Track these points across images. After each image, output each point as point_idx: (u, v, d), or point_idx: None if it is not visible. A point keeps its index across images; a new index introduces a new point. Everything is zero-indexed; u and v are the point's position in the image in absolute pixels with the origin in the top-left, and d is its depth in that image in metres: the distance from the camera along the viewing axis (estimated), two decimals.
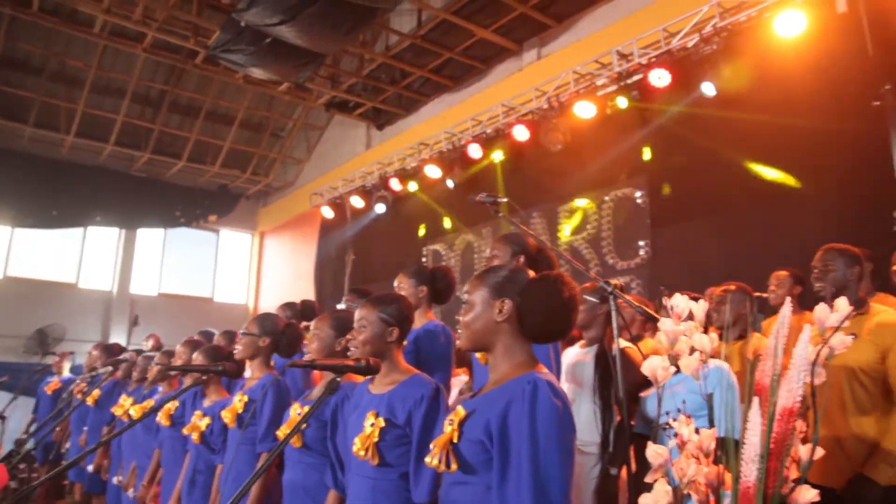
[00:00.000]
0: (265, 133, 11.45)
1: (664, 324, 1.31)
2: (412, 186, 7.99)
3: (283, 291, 11.97)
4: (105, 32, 8.26)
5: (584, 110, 5.95)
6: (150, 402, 4.11)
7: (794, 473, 1.16)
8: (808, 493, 1.15)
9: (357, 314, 2.10)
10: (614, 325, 2.19)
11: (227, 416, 2.89)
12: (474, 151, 7.05)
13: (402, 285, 3.05)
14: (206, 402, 3.38)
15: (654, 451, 1.23)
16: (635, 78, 5.58)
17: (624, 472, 2.84)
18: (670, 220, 5.40)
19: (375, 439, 1.93)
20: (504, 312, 1.60)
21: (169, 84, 10.03)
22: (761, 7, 4.76)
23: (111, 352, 5.34)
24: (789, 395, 1.15)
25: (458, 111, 8.26)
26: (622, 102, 5.63)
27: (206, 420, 3.25)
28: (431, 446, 1.54)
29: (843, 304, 1.24)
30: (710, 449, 1.24)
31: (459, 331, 1.68)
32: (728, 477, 1.21)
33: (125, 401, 4.44)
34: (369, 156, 9.83)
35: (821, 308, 1.24)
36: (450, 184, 7.41)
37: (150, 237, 12.07)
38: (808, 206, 4.43)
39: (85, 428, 5.31)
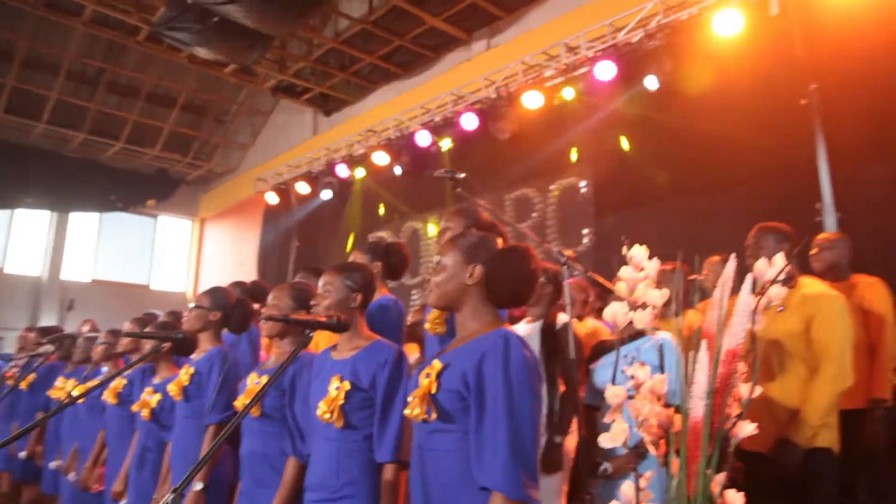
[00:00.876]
0: (208, 117, 11.18)
1: (624, 272, 1.42)
2: (360, 173, 7.98)
3: (224, 279, 11.62)
4: (40, 4, 7.89)
5: (532, 100, 6.10)
6: (94, 383, 4.01)
7: (735, 410, 1.29)
8: (747, 427, 1.28)
9: (322, 280, 2.15)
10: (567, 295, 2.31)
11: (172, 389, 2.86)
12: (422, 139, 7.11)
13: (358, 261, 3.09)
14: (156, 379, 3.34)
15: (612, 392, 1.34)
16: (582, 70, 5.77)
17: (569, 440, 2.99)
18: (613, 208, 5.61)
19: (341, 402, 1.99)
20: (475, 276, 1.69)
21: (108, 62, 9.64)
22: (702, 6, 5.00)
23: (48, 333, 5.16)
24: (732, 339, 1.28)
25: (406, 98, 8.30)
26: (569, 94, 5.81)
27: (157, 396, 3.21)
28: (410, 398, 1.61)
29: (779, 259, 1.38)
30: (662, 392, 1.36)
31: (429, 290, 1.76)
32: (677, 418, 1.33)
33: (64, 383, 4.32)
34: (316, 142, 9.74)
35: (760, 263, 1.37)
36: (397, 171, 7.45)
37: (83, 221, 11.61)
38: (739, 196, 4.69)
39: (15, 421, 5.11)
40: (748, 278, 1.28)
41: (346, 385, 2.00)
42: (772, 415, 2.65)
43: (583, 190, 5.86)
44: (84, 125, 10.37)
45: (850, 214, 4.04)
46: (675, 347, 2.48)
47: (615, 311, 1.37)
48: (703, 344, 1.27)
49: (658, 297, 1.42)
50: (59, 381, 4.34)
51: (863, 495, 3.11)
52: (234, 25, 7.22)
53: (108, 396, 3.58)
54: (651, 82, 5.22)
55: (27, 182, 10.71)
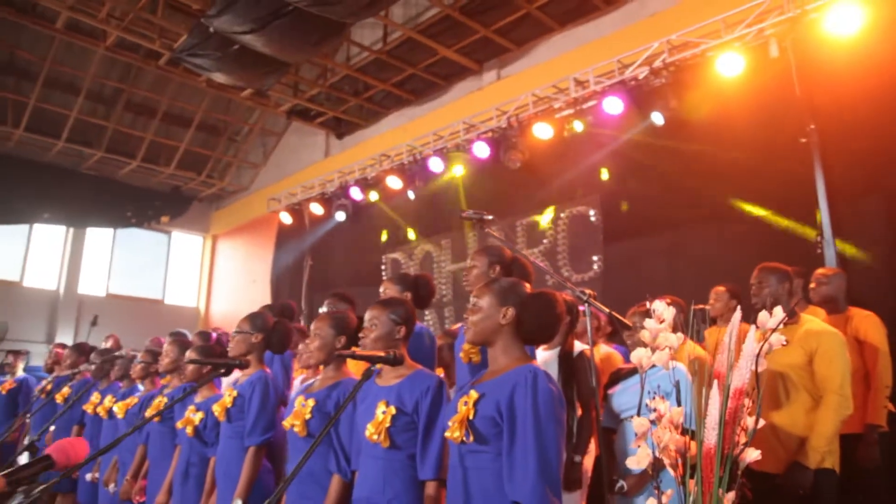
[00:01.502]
0: (222, 136, 11.47)
1: (648, 323, 1.66)
2: (373, 196, 8.23)
3: (237, 295, 11.99)
4: (63, 27, 8.20)
5: (543, 131, 6.38)
6: (134, 400, 4.23)
7: (742, 439, 1.53)
8: (752, 454, 1.51)
9: (369, 314, 2.39)
10: (589, 330, 2.56)
11: (217, 409, 3.10)
12: (435, 165, 7.38)
13: (388, 291, 3.33)
14: (198, 398, 3.58)
15: (638, 423, 1.58)
16: (590, 104, 6.05)
17: (587, 460, 3.22)
18: (621, 237, 5.86)
19: (387, 425, 2.22)
20: (507, 318, 1.94)
21: (125, 82, 9.96)
22: (704, 48, 5.28)
23: (82, 351, 5.39)
24: (739, 378, 1.52)
25: (418, 125, 8.59)
26: (578, 126, 6.08)
27: (200, 414, 3.44)
28: (450, 423, 1.86)
29: (778, 311, 1.62)
30: (679, 422, 1.60)
31: (466, 327, 2.01)
32: (693, 444, 1.57)
33: (99, 398, 4.55)
34: (328, 164, 10.03)
35: (762, 314, 1.62)
36: (411, 195, 7.72)
37: (99, 236, 11.86)
38: (744, 228, 4.95)
39: (52, 428, 5.33)
40: (751, 330, 1.53)
41: (392, 410, 2.24)
42: (780, 440, 2.91)
43: (592, 218, 6.11)
44: (101, 143, 10.67)
45: (852, 245, 4.30)
46: (686, 375, 2.73)
47: (641, 356, 1.61)
48: (715, 383, 1.51)
49: (675, 340, 1.67)
50: (95, 397, 4.57)
51: None
52: (252, 53, 7.50)
53: (152, 413, 3.81)
54: (658, 118, 5.49)
55: (45, 198, 10.97)
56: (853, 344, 3.44)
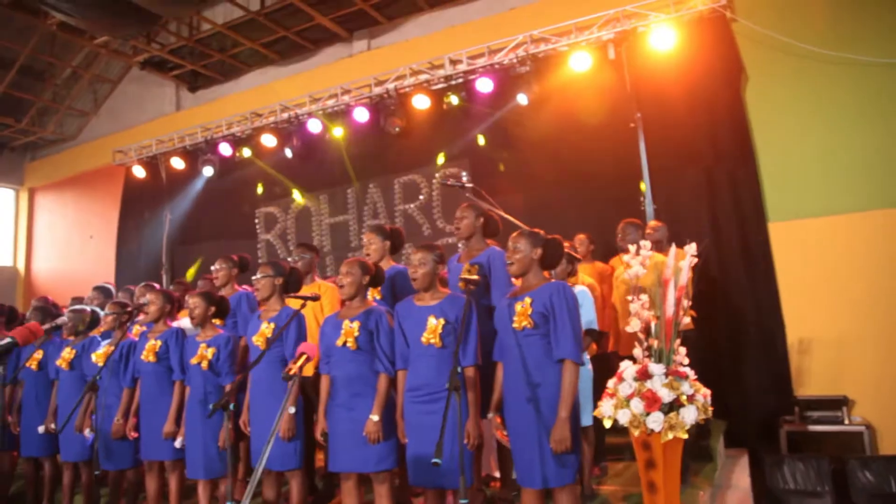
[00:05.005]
0: (47, 81, 10.58)
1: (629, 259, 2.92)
2: (246, 152, 8.57)
3: (67, 252, 11.34)
4: None
5: (421, 102, 7.40)
6: (109, 349, 4.57)
7: (682, 313, 2.86)
8: (686, 320, 2.86)
9: (418, 256, 3.35)
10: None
11: (258, 339, 3.82)
12: (314, 126, 8.02)
13: (373, 240, 4.21)
14: (200, 337, 4.18)
15: (634, 307, 2.83)
16: (466, 79, 7.19)
17: None
18: (489, 194, 7.15)
19: (440, 331, 3.25)
20: (538, 255, 3.08)
21: None
22: (559, 45, 6.69)
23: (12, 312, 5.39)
24: (680, 281, 2.85)
25: (285, 84, 9.03)
26: (454, 100, 7.21)
27: (212, 350, 4.09)
28: (515, 317, 2.97)
29: (646, 243, 2.97)
30: (646, 307, 2.89)
31: (508, 261, 3.11)
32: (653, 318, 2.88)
33: (69, 353, 4.78)
34: (181, 118, 9.96)
35: (673, 251, 2.96)
36: (288, 153, 8.26)
37: None
38: (584, 190, 6.52)
39: None
40: (680, 255, 2.85)
41: (442, 321, 3.27)
42: None
43: (464, 178, 7.34)
44: None
45: (664, 205, 6.06)
46: (588, 294, 4.10)
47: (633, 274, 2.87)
48: (671, 283, 2.82)
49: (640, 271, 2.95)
50: (66, 352, 4.78)
51: None
52: (124, 1, 7.34)
53: (148, 356, 4.29)
54: (522, 98, 6.82)
55: None
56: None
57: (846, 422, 5.42)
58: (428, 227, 7.61)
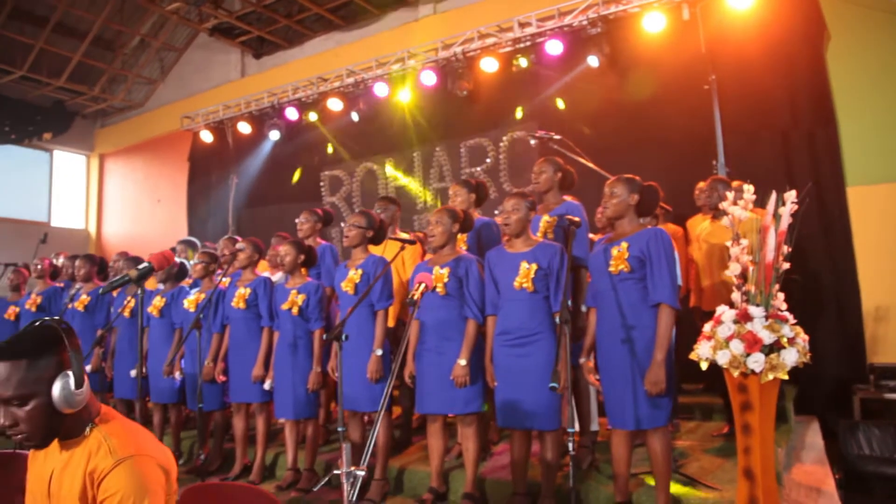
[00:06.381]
0: (117, 50, 10.93)
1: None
2: (312, 116, 8.73)
3: (139, 215, 11.79)
4: None
5: (489, 65, 7.40)
6: (199, 296, 4.81)
7: (781, 259, 2.86)
8: (785, 265, 2.85)
9: (510, 203, 3.42)
10: None
11: (346, 285, 3.96)
12: (380, 90, 8.10)
13: (459, 192, 4.31)
14: (290, 284, 4.34)
15: (734, 251, 2.84)
16: (534, 42, 7.15)
17: None
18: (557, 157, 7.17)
19: (532, 276, 3.33)
20: (634, 199, 3.11)
21: None
22: (631, 6, 6.58)
23: (94, 262, 5.68)
24: (781, 227, 2.84)
25: (351, 49, 9.13)
26: (523, 62, 7.19)
27: (302, 297, 4.26)
28: (612, 261, 3.02)
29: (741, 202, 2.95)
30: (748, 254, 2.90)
31: (603, 206, 3.15)
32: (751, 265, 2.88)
33: (160, 301, 5.05)
34: (247, 83, 10.17)
35: (773, 197, 2.94)
36: (355, 116, 8.38)
37: None
38: (657, 154, 6.45)
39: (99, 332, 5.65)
40: (785, 210, 2.83)
41: (534, 266, 3.34)
42: (728, 289, 4.41)
43: (532, 142, 7.31)
44: None
45: (738, 169, 5.96)
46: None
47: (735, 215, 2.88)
48: (771, 228, 2.82)
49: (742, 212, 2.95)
50: (157, 301, 5.05)
51: None
52: None
53: (238, 302, 4.49)
54: (593, 61, 6.76)
55: None
56: None
57: None
58: (494, 191, 7.63)
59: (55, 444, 1.68)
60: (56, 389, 1.56)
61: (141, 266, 2.47)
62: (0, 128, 10.88)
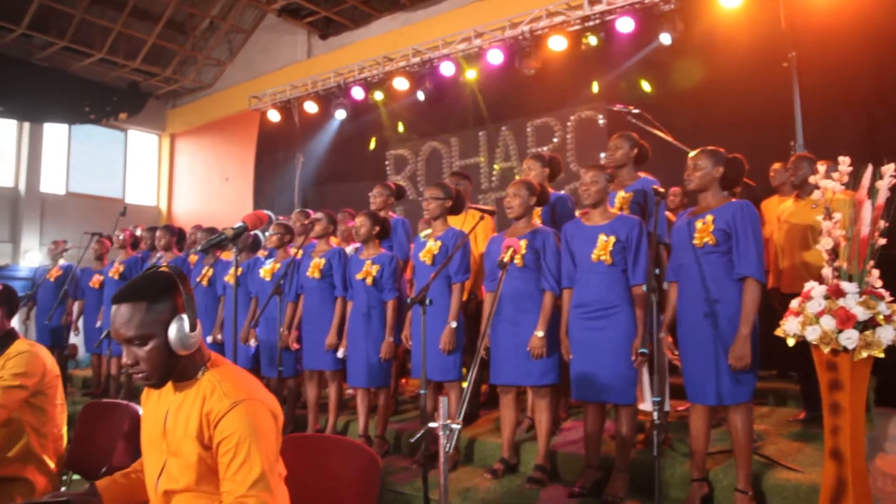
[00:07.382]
0: (189, 33, 11.28)
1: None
2: (378, 96, 8.83)
3: (208, 193, 12.20)
4: None
5: (557, 43, 7.32)
6: (275, 266, 4.98)
7: (877, 234, 2.76)
8: (881, 241, 2.76)
9: (589, 175, 3.41)
10: None
11: (425, 256, 4.02)
12: (447, 69, 8.13)
13: (533, 166, 4.31)
14: (364, 255, 4.44)
15: (825, 226, 2.77)
16: (604, 19, 7.03)
17: None
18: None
19: (610, 248, 3.32)
20: (719, 172, 3.05)
21: None
22: None
23: (173, 232, 5.95)
24: (878, 200, 2.74)
25: (416, 29, 9.18)
26: (593, 41, 7.08)
27: (376, 267, 4.34)
28: (696, 234, 2.98)
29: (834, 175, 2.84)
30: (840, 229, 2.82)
31: (687, 179, 3.10)
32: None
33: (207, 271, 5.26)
34: (313, 64, 10.36)
35: (869, 170, 2.82)
36: (420, 96, 8.43)
37: (55, 133, 11.48)
38: (733, 134, 6.24)
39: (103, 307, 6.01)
40: (883, 184, 2.73)
41: (613, 238, 3.33)
42: (809, 272, 4.28)
43: (600, 122, 7.24)
44: (64, 33, 10.23)
45: (817, 151, 5.74)
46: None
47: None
48: (867, 202, 2.72)
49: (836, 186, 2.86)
50: (204, 270, 5.27)
51: None
52: None
53: (313, 272, 4.62)
54: (666, 38, 6.60)
55: None
56: None
57: None
58: (561, 171, 7.58)
59: (169, 386, 1.78)
60: (172, 331, 1.66)
61: (237, 225, 2.58)
62: (80, 108, 11.41)
